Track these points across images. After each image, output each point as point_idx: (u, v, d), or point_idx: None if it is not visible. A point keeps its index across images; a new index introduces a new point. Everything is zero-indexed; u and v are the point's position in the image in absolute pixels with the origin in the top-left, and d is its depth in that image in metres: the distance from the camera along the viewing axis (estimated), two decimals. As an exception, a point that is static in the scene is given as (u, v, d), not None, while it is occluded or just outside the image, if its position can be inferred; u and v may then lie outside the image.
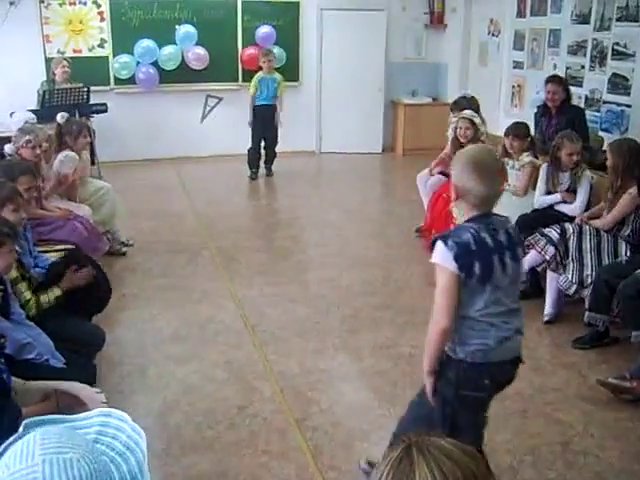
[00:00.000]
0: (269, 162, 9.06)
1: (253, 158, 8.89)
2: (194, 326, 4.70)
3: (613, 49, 6.71)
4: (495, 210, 5.52)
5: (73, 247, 4.32)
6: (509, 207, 5.38)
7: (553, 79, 6.28)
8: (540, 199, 5.21)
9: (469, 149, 2.63)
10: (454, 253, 2.38)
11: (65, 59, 8.10)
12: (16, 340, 2.96)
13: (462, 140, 5.94)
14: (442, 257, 2.41)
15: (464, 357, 2.50)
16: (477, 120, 5.93)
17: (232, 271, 5.71)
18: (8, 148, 5.11)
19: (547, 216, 5.06)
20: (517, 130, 5.55)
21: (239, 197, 8.01)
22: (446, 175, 6.36)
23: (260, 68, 8.73)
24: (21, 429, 1.12)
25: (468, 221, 2.49)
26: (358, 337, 4.55)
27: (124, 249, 6.02)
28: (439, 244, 2.42)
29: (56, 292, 3.60)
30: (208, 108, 9.88)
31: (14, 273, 3.34)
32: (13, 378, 2.70)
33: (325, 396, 3.83)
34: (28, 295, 3.45)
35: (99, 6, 8.97)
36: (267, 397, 3.81)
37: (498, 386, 2.62)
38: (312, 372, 4.09)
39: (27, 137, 5.03)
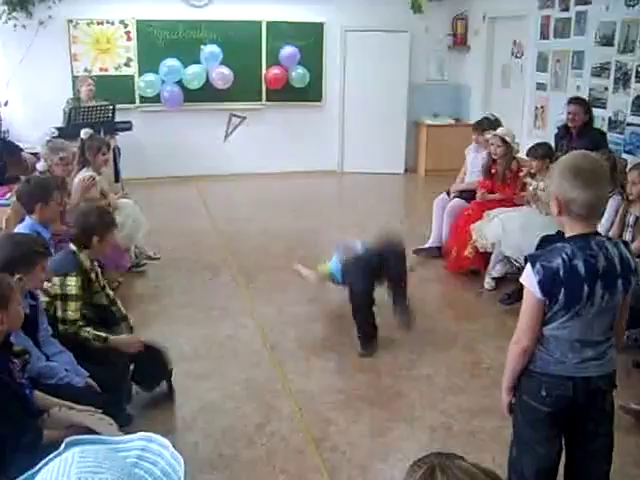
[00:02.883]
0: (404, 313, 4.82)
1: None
2: (214, 344, 4.71)
3: (637, 71, 6.68)
4: (519, 230, 5.48)
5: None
6: (533, 226, 5.38)
7: (575, 100, 6.28)
8: None
9: (565, 157, 2.42)
10: (539, 279, 2.29)
11: (90, 77, 8.26)
12: (36, 368, 2.98)
13: (494, 157, 6.05)
14: (527, 280, 2.34)
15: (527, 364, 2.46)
16: (508, 138, 5.97)
17: (252, 289, 5.72)
18: (40, 166, 5.20)
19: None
20: (535, 151, 5.59)
21: (260, 216, 8.04)
22: (465, 198, 6.39)
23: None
24: (62, 446, 1.13)
25: (568, 240, 2.33)
26: (377, 357, 4.53)
27: (144, 261, 6.07)
28: (527, 266, 2.34)
29: (101, 336, 3.55)
30: (232, 127, 9.97)
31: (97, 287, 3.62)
32: (50, 399, 2.73)
33: (343, 416, 3.82)
34: (77, 315, 3.54)
35: (126, 26, 9.13)
36: (285, 416, 3.81)
37: (558, 404, 2.43)
38: (331, 392, 4.08)
39: (61, 154, 5.15)
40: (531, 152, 5.64)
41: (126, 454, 1.19)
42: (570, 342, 2.37)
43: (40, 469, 1.08)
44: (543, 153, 5.58)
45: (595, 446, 2.54)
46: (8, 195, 5.51)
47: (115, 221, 4.00)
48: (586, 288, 2.28)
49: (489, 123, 6.57)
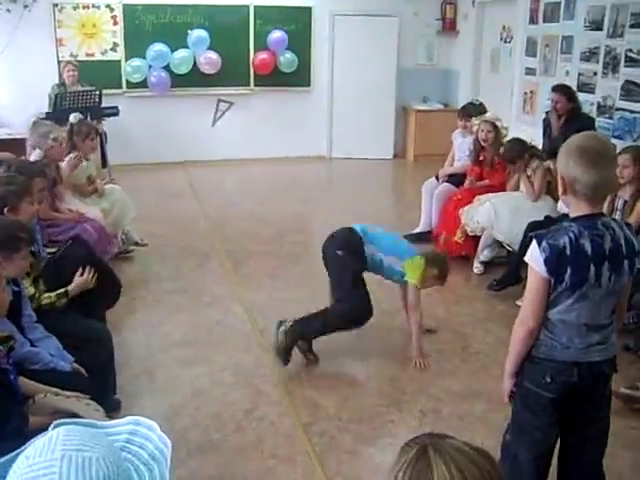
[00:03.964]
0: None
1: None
2: (202, 330, 4.69)
3: (626, 56, 6.67)
4: (510, 214, 5.48)
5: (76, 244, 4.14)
6: (523, 210, 5.39)
7: (557, 88, 6.23)
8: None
9: (574, 137, 2.37)
10: (545, 257, 2.25)
11: (71, 62, 8.18)
12: (20, 354, 2.94)
13: (483, 144, 6.01)
14: (533, 258, 2.30)
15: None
16: (499, 123, 5.96)
17: (241, 275, 5.70)
18: (36, 154, 5.12)
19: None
20: (510, 153, 5.63)
21: (249, 201, 8.00)
22: (454, 182, 6.38)
23: None
24: (51, 428, 1.13)
25: (574, 220, 2.31)
26: (366, 342, 4.51)
27: (131, 247, 6.02)
28: (533, 244, 2.30)
29: (61, 292, 3.56)
30: (219, 112, 9.91)
31: None
32: (36, 385, 2.70)
33: (332, 401, 3.81)
34: (31, 290, 3.44)
35: (112, 10, 9.03)
36: (274, 401, 3.80)
37: (562, 390, 2.41)
38: (320, 376, 4.08)
39: (52, 135, 5.08)
40: (506, 157, 5.65)
41: (115, 438, 1.20)
42: (577, 326, 2.34)
43: (26, 448, 1.08)
44: (517, 155, 5.59)
45: (593, 430, 2.53)
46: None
47: (30, 189, 3.76)
48: (592, 268, 2.25)
49: (474, 108, 6.56)
